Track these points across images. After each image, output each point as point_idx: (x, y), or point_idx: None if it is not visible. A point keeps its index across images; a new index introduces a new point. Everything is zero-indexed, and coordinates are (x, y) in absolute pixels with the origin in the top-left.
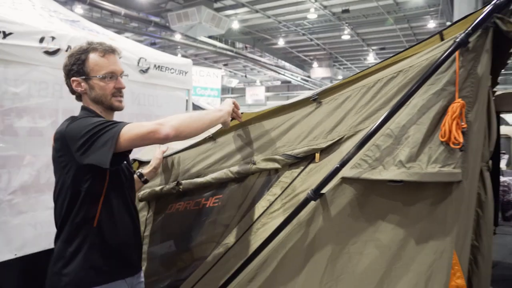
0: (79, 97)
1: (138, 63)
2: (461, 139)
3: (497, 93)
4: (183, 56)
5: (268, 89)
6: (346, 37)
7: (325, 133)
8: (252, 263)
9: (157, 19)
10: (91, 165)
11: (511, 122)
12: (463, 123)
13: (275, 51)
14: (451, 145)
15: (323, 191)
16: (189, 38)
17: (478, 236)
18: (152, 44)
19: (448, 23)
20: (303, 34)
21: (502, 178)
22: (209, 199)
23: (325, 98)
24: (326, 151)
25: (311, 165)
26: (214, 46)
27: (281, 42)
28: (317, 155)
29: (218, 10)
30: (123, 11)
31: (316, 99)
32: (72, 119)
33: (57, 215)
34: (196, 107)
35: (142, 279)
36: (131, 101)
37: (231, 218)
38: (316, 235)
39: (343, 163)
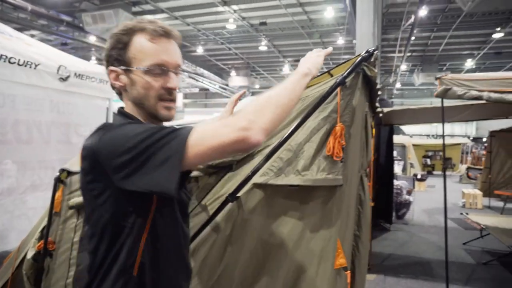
0: (119, 94)
1: (58, 70)
2: (341, 154)
3: (390, 109)
4: (97, 59)
5: (186, 96)
6: (263, 48)
7: None
8: None
9: (69, 19)
10: (136, 192)
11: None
12: (342, 141)
13: (194, 58)
14: (334, 158)
15: (238, 194)
16: (105, 41)
17: (359, 227)
18: (63, 45)
19: (355, 41)
20: (222, 43)
21: (396, 182)
22: None
23: None
24: (241, 162)
25: (229, 173)
26: None
27: (200, 50)
28: (234, 165)
29: (136, 14)
30: (29, 6)
31: None
32: (106, 128)
33: (90, 259)
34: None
35: None
36: (50, 109)
37: None
38: (233, 230)
39: (254, 172)
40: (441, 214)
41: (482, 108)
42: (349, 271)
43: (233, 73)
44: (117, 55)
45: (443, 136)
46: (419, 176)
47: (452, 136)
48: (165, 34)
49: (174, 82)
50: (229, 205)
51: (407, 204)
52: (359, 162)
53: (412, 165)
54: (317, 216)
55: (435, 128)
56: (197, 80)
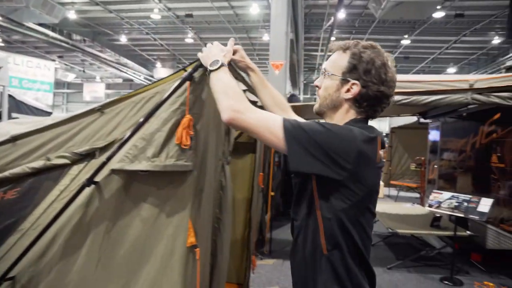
0: None
1: None
2: (188, 142)
3: (292, 104)
4: (4, 41)
5: (108, 86)
6: (189, 40)
7: (105, 136)
8: (41, 241)
9: None
10: None
11: None
12: (191, 131)
13: (117, 48)
14: (182, 146)
15: (96, 179)
16: (12, 22)
17: (220, 210)
18: None
19: None
20: (147, 33)
21: None
22: (7, 192)
23: (106, 109)
24: (104, 149)
25: (93, 160)
26: (46, 35)
27: (123, 39)
28: (97, 153)
29: None
30: None
31: (100, 109)
32: None
33: None
34: (19, 104)
35: None
36: None
37: (27, 208)
38: (94, 214)
39: (108, 158)
40: None
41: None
42: (198, 248)
43: (158, 64)
44: None
45: None
46: None
47: None
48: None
49: (316, 81)
50: (87, 189)
51: None
52: (219, 151)
53: None
54: (172, 199)
55: None
56: (120, 70)
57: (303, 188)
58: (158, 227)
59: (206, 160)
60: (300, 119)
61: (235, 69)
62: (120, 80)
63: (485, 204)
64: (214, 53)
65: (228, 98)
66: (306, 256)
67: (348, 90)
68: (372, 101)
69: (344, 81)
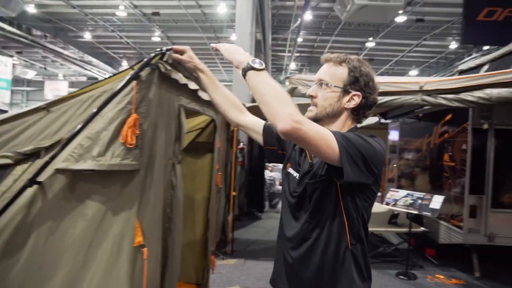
0: None
1: None
2: (134, 141)
3: (252, 104)
4: None
5: (72, 84)
6: (156, 39)
7: (51, 135)
8: None
9: None
10: None
11: None
12: (137, 130)
13: (81, 45)
14: (128, 145)
15: (39, 179)
16: None
17: (171, 210)
18: None
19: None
20: (113, 31)
21: (269, 173)
22: None
23: (52, 107)
24: (49, 149)
25: (37, 160)
26: (2, 29)
27: (88, 36)
28: (42, 152)
29: None
30: None
31: (46, 108)
32: None
33: None
34: None
35: None
36: None
37: None
38: (37, 215)
39: (52, 157)
40: None
41: None
42: (146, 248)
43: (124, 62)
44: None
45: None
46: None
47: None
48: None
49: (309, 91)
50: (29, 190)
51: (279, 194)
52: (169, 150)
53: None
54: (118, 198)
55: None
56: (84, 68)
57: (325, 193)
58: (104, 227)
59: (154, 159)
60: (258, 119)
61: (186, 69)
62: (84, 78)
63: (436, 201)
64: (242, 52)
65: (286, 106)
66: (329, 251)
67: (349, 100)
68: (368, 109)
69: (345, 92)
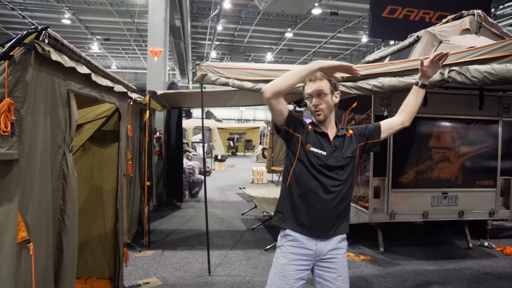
0: None
1: None
2: (8, 129)
3: (163, 92)
4: None
5: None
6: (66, 21)
7: None
8: None
9: None
10: None
11: (218, 117)
12: (12, 117)
13: None
14: (2, 133)
15: None
16: None
17: (64, 201)
18: None
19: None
20: (12, 9)
21: (189, 162)
22: None
23: None
24: None
25: None
26: None
27: None
28: None
29: None
30: None
31: None
32: None
33: None
34: None
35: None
36: None
37: None
38: None
39: None
40: (232, 191)
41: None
42: (31, 243)
43: None
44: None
45: (202, 118)
46: (219, 157)
47: (254, 120)
48: (311, 79)
49: (314, 102)
50: None
51: (199, 183)
52: (57, 138)
53: (213, 147)
54: None
55: (241, 113)
56: None
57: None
58: None
59: (37, 148)
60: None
61: (74, 51)
62: None
63: None
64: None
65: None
66: (348, 202)
67: (335, 97)
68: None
69: (331, 93)
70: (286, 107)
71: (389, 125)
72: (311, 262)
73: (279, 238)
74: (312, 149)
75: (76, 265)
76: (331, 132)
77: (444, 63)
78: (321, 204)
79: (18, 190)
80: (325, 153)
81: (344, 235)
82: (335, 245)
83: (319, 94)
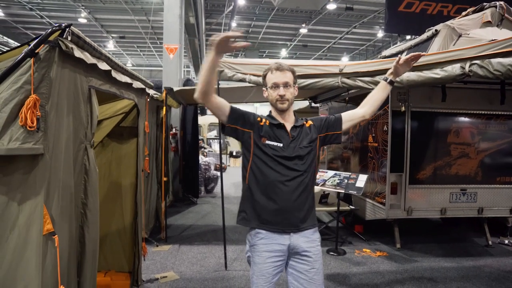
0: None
1: None
2: (34, 124)
3: (180, 88)
4: None
5: None
6: (83, 20)
7: None
8: None
9: None
10: None
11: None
12: (38, 112)
13: None
14: (28, 128)
15: None
16: None
17: (86, 195)
18: None
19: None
20: (31, 9)
21: (204, 159)
22: None
23: None
24: None
25: None
26: None
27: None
28: None
29: None
30: None
31: None
32: None
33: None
34: None
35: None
36: None
37: None
38: None
39: None
40: None
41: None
42: (56, 235)
43: None
44: (263, 81)
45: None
46: (234, 153)
47: None
48: (277, 68)
49: (281, 92)
50: None
51: (215, 179)
52: (79, 133)
53: (228, 143)
54: (21, 186)
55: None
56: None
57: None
58: (7, 218)
59: (61, 143)
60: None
61: (95, 48)
62: None
63: (361, 180)
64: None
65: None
66: (312, 194)
67: (296, 90)
68: None
69: (294, 85)
70: (225, 104)
71: (350, 117)
72: (286, 256)
73: (248, 236)
74: (268, 142)
75: (97, 257)
76: (289, 122)
77: (464, 57)
78: (282, 196)
79: (44, 184)
80: (281, 145)
81: (316, 228)
82: (307, 238)
83: (286, 85)
